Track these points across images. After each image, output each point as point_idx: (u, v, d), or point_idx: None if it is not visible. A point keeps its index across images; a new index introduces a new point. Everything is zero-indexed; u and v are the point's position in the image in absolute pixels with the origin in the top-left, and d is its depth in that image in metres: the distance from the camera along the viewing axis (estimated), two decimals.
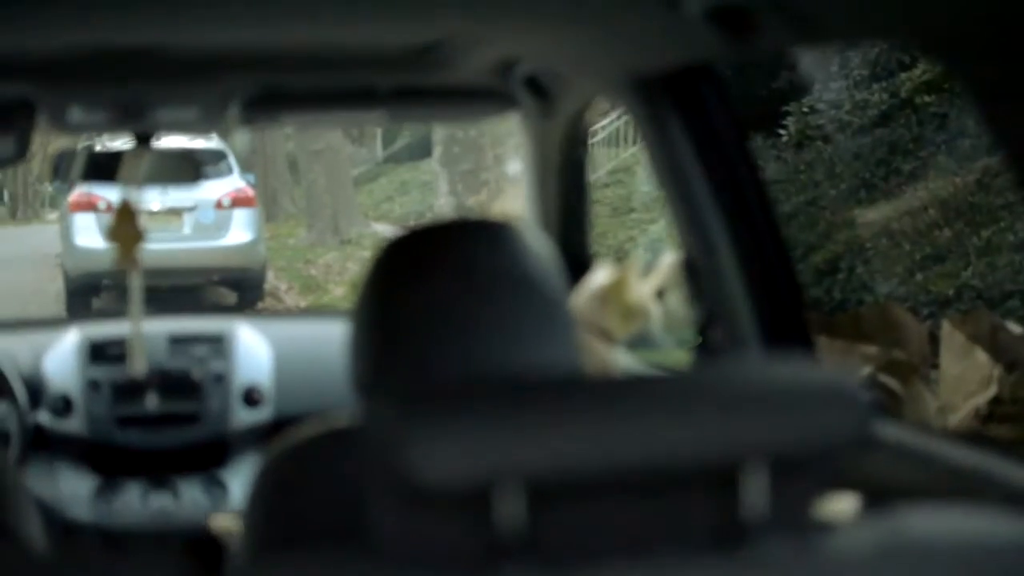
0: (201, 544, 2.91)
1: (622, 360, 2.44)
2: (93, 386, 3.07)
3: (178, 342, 3.15)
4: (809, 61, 10.04)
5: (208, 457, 3.10)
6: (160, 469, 3.07)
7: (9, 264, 15.47)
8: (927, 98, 9.34)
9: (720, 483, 0.99)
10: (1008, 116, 1.28)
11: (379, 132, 25.61)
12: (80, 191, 10.76)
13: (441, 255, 1.27)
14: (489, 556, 0.96)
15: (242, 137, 18.54)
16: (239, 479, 3.03)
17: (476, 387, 1.03)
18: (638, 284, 2.41)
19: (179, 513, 3.03)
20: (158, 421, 3.08)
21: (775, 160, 10.08)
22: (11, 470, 2.31)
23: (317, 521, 1.31)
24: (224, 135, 11.65)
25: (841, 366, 1.13)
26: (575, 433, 0.96)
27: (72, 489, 3.06)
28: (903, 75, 9.69)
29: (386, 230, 13.06)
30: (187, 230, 11.23)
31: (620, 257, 9.61)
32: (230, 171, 11.76)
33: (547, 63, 2.20)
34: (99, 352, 3.11)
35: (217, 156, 11.58)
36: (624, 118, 12.17)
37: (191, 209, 11.15)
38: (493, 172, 11.69)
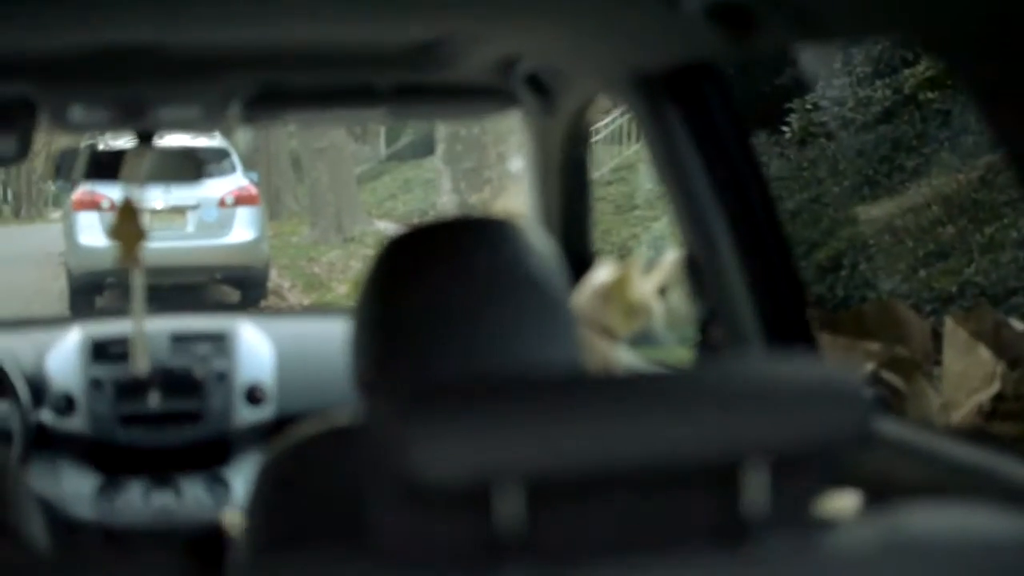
0: (203, 542, 2.92)
1: (624, 358, 2.44)
2: (95, 385, 3.07)
3: (180, 340, 3.15)
4: (812, 58, 10.03)
5: (210, 455, 3.10)
6: (162, 467, 3.07)
7: (12, 263, 15.49)
8: (930, 94, 9.34)
9: (721, 480, 0.99)
10: (1008, 114, 1.28)
11: (382, 130, 25.62)
12: (83, 190, 10.77)
13: (442, 253, 1.27)
14: (490, 554, 0.96)
15: (245, 135, 18.56)
16: (241, 477, 3.03)
17: (476, 385, 1.03)
18: (640, 282, 2.41)
19: (181, 511, 3.03)
20: (160, 419, 3.08)
21: (778, 157, 10.08)
22: (13, 469, 2.31)
23: (318, 519, 1.31)
24: (226, 133, 11.65)
25: (844, 363, 1.12)
26: (575, 431, 0.96)
27: (74, 488, 3.06)
28: (906, 71, 9.69)
29: (389, 228, 13.06)
30: (190, 228, 11.24)
31: (623, 255, 9.61)
32: (233, 169, 11.76)
33: (548, 61, 2.20)
34: (101, 351, 3.11)
35: (220, 154, 11.59)
36: (627, 115, 12.16)
37: (194, 207, 11.16)
38: (496, 170, 11.68)
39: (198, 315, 3.44)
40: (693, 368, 1.49)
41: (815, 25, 1.50)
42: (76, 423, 3.06)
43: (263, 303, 11.60)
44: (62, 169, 10.48)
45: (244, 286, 11.67)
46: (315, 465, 1.40)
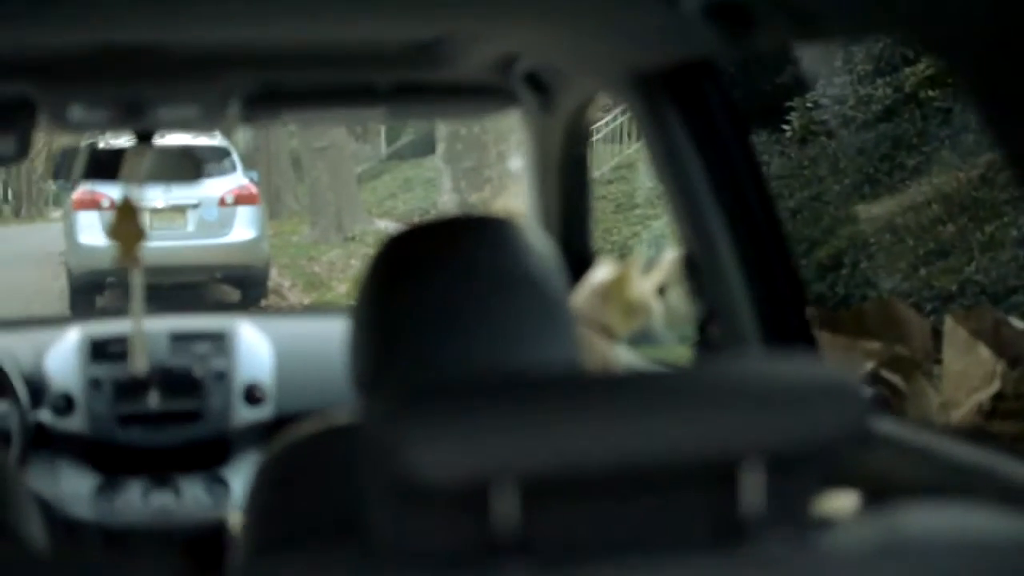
0: (202, 542, 2.92)
1: (623, 357, 2.44)
2: (94, 384, 3.06)
3: (179, 340, 3.15)
4: (813, 56, 10.03)
5: (210, 455, 3.10)
6: (161, 467, 3.07)
7: (13, 262, 15.48)
8: (931, 93, 9.33)
9: (718, 480, 0.98)
10: (1007, 114, 1.27)
11: (383, 129, 25.61)
12: (84, 189, 10.76)
13: (441, 252, 1.27)
14: (487, 554, 0.96)
15: (245, 134, 18.56)
16: (241, 477, 3.02)
17: (474, 385, 1.03)
18: (639, 280, 2.41)
19: (180, 511, 3.02)
20: (159, 419, 3.08)
21: (779, 156, 10.08)
22: (12, 469, 2.31)
23: (316, 518, 1.31)
24: (225, 133, 11.65)
25: (842, 362, 1.12)
26: (572, 431, 0.96)
27: (73, 487, 3.06)
28: (907, 70, 9.68)
29: (390, 227, 13.05)
30: (191, 227, 11.24)
31: (624, 253, 9.61)
32: (233, 168, 11.76)
33: (547, 59, 2.20)
34: (100, 350, 3.11)
35: (220, 153, 11.58)
36: (627, 114, 12.16)
37: (195, 206, 11.16)
38: (496, 169, 11.68)
39: (197, 315, 3.43)
40: (691, 368, 1.48)
41: (812, 24, 1.50)
42: (75, 423, 3.06)
43: (263, 302, 11.60)
44: (62, 169, 10.47)
45: (244, 285, 11.67)
46: (313, 464, 1.40)
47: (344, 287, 12.45)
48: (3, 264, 15.20)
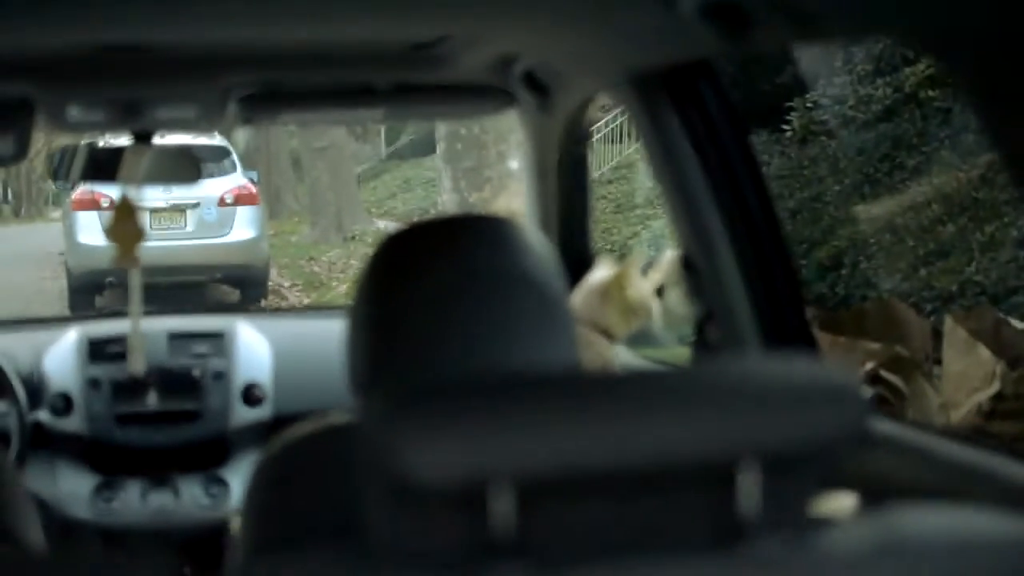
0: (201, 542, 2.92)
1: (622, 357, 2.44)
2: (93, 384, 3.06)
3: (178, 340, 3.15)
4: (813, 56, 10.03)
5: (208, 455, 3.09)
6: (160, 467, 3.07)
7: (12, 262, 15.48)
8: (931, 93, 9.33)
9: (716, 481, 0.98)
10: (1006, 115, 1.27)
11: (383, 129, 25.60)
12: (83, 189, 10.77)
13: (439, 252, 1.26)
14: (484, 555, 0.96)
15: (245, 134, 18.55)
16: (239, 477, 3.02)
17: (471, 385, 1.03)
18: (638, 281, 2.41)
19: (179, 511, 3.02)
20: (158, 419, 3.07)
21: (779, 156, 10.08)
22: (11, 469, 2.31)
23: (313, 518, 1.31)
24: (225, 133, 11.65)
25: (841, 363, 1.12)
26: (570, 432, 0.96)
27: (72, 488, 3.06)
28: (907, 70, 9.68)
29: (389, 227, 13.03)
30: (190, 227, 11.25)
31: (624, 253, 9.61)
32: (233, 168, 11.77)
33: (545, 59, 2.20)
34: (99, 350, 3.11)
35: (220, 153, 11.59)
36: (627, 114, 12.15)
37: (194, 206, 11.16)
38: (496, 169, 11.67)
39: (195, 315, 3.43)
40: (689, 368, 1.48)
41: (810, 25, 1.50)
42: (73, 423, 3.06)
43: (263, 302, 11.60)
44: (60, 169, 10.47)
45: (244, 285, 11.67)
46: (310, 465, 1.40)
47: (344, 287, 12.45)
48: (3, 264, 15.20)
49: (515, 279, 1.24)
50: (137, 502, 3.04)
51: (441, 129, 12.41)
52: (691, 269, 2.12)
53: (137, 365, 2.81)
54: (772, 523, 0.99)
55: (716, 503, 0.99)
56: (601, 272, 2.43)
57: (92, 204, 10.74)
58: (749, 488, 0.98)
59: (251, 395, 3.11)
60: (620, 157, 14.47)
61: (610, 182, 13.65)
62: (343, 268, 13.76)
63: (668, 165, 2.04)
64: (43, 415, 3.04)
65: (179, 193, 10.51)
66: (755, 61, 9.81)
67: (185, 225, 11.22)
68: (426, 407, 0.97)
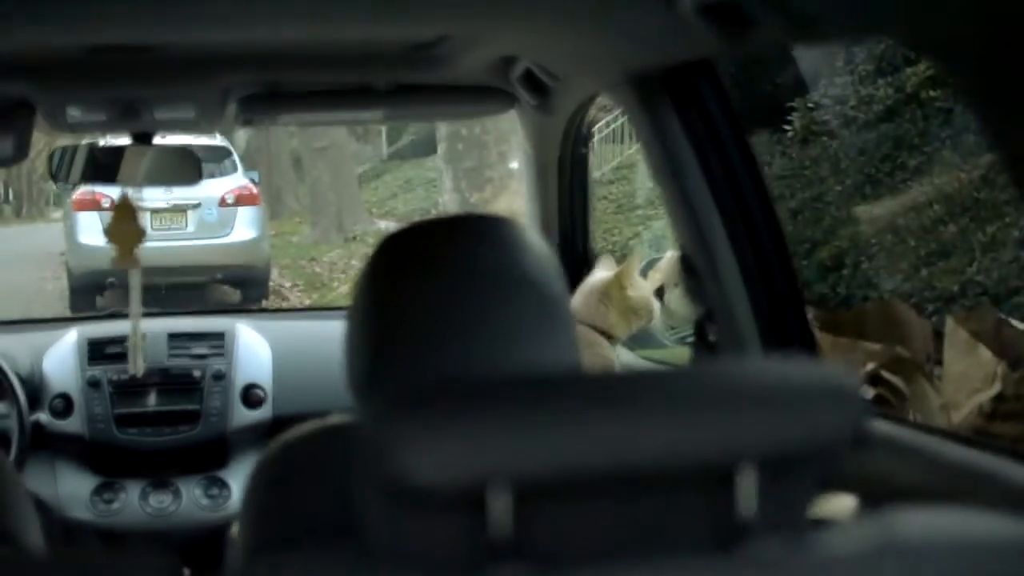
0: (200, 543, 2.92)
1: (623, 357, 2.44)
2: (93, 385, 3.06)
3: (178, 341, 3.15)
4: (814, 56, 10.02)
5: (208, 456, 3.10)
6: (160, 468, 3.07)
7: (13, 263, 15.48)
8: (932, 93, 9.32)
9: (715, 482, 0.98)
10: (1004, 116, 1.27)
11: (384, 129, 25.60)
12: (84, 189, 10.77)
13: (439, 252, 1.26)
14: (483, 556, 0.95)
15: (245, 134, 18.56)
16: (239, 478, 3.02)
17: (470, 387, 1.03)
18: (639, 282, 2.41)
19: (179, 513, 3.03)
20: (158, 420, 3.08)
21: (780, 156, 10.08)
22: (10, 470, 2.31)
23: (313, 519, 1.30)
24: (224, 133, 11.65)
25: (840, 364, 1.12)
26: (569, 433, 0.95)
27: (71, 489, 3.06)
28: (908, 70, 9.67)
29: (390, 227, 13.02)
30: (191, 228, 11.24)
31: (625, 254, 9.60)
32: (234, 168, 11.77)
33: (544, 60, 2.19)
34: (99, 351, 3.11)
35: (221, 153, 11.59)
36: (627, 114, 12.14)
37: (195, 206, 11.16)
38: (497, 169, 11.68)
39: (195, 315, 3.43)
40: (688, 369, 1.48)
41: (810, 26, 1.50)
42: (73, 424, 3.06)
43: (264, 303, 11.60)
44: (60, 170, 10.47)
45: (245, 286, 11.67)
46: (309, 466, 1.40)
47: (345, 288, 12.45)
48: (4, 264, 15.19)
49: (515, 279, 1.23)
50: (137, 503, 3.04)
51: (442, 129, 12.42)
52: (691, 269, 2.12)
53: (137, 366, 2.81)
54: (771, 524, 0.99)
55: (715, 504, 0.99)
56: (601, 272, 2.43)
57: (93, 204, 10.74)
58: (748, 489, 0.98)
59: (251, 396, 3.11)
60: (621, 157, 14.46)
61: (611, 182, 13.65)
62: (344, 268, 13.76)
63: (668, 165, 2.04)
64: (43, 416, 3.04)
65: (180, 193, 10.51)
66: (755, 61, 9.80)
67: (186, 225, 11.22)
68: (425, 408, 0.97)
